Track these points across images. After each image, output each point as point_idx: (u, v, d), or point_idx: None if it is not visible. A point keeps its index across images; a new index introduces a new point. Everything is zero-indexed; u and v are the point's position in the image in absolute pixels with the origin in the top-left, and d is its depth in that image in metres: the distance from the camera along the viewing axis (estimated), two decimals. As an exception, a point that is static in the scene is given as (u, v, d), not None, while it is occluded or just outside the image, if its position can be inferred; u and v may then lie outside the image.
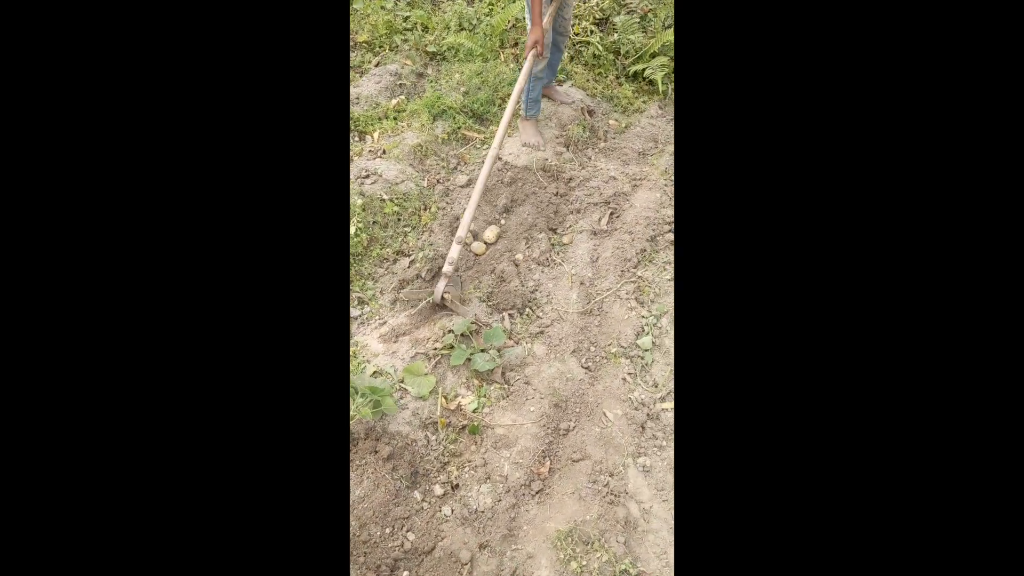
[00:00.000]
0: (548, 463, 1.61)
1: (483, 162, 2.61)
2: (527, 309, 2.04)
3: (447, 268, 1.92)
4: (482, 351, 1.84)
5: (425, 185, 2.48)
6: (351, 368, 1.80)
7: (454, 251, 1.92)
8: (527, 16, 2.40)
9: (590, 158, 2.71)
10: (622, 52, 3.22)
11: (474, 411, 1.73)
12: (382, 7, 3.35)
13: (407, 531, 1.44)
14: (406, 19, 3.32)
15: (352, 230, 2.18)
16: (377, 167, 2.42)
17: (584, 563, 1.40)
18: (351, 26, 3.22)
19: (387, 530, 1.43)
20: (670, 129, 2.93)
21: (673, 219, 2.30)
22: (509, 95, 2.94)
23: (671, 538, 1.46)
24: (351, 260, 2.14)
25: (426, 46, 3.19)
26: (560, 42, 2.60)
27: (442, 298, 1.93)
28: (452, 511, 1.50)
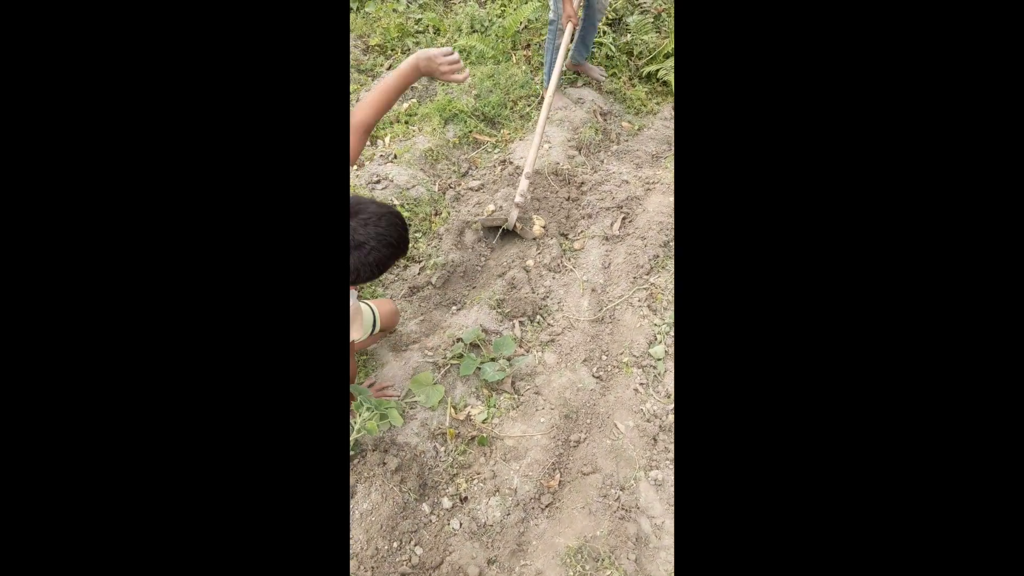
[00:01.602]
0: (558, 476, 1.59)
1: (494, 165, 2.59)
2: (538, 317, 2.02)
3: (519, 199, 2.20)
4: (492, 360, 1.82)
5: (436, 190, 2.46)
6: (359, 378, 1.80)
7: (523, 184, 2.21)
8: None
9: (603, 161, 2.68)
10: (635, 53, 3.18)
11: (483, 422, 1.71)
12: (394, 10, 3.34)
13: (415, 545, 1.43)
14: (418, 21, 3.31)
15: (362, 237, 2.17)
16: (388, 172, 2.42)
17: (594, 580, 1.37)
18: (363, 30, 3.22)
19: (394, 544, 1.42)
20: (684, 131, 2.88)
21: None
22: (520, 98, 2.91)
23: (683, 556, 1.43)
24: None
25: (438, 49, 3.18)
26: (596, 18, 2.73)
27: (514, 226, 2.23)
28: (460, 525, 1.48)
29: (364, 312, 1.71)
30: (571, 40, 2.46)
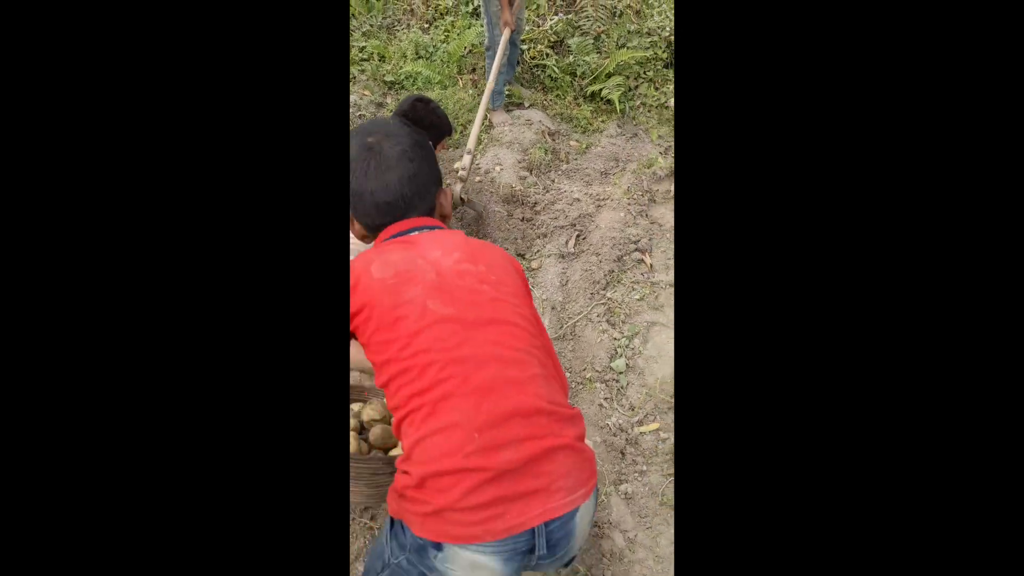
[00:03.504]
0: (530, 498, 1.59)
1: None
2: (500, 338, 2.03)
3: (462, 173, 2.37)
4: (456, 386, 1.81)
5: (390, 217, 2.45)
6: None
7: (466, 160, 2.39)
8: (484, 16, 2.75)
9: (553, 181, 2.73)
10: (578, 73, 3.27)
11: (451, 449, 1.69)
12: (337, 38, 3.33)
13: None
14: (362, 49, 3.31)
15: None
16: (339, 202, 2.39)
17: (572, 601, 1.37)
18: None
19: None
20: (630, 148, 2.97)
21: (640, 238, 2.32)
22: (470, 121, 2.94)
23: (657, 567, 1.45)
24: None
25: (384, 76, 3.18)
26: (515, 38, 2.88)
27: (461, 199, 2.41)
28: (434, 557, 1.46)
29: None
30: (506, 48, 2.64)
